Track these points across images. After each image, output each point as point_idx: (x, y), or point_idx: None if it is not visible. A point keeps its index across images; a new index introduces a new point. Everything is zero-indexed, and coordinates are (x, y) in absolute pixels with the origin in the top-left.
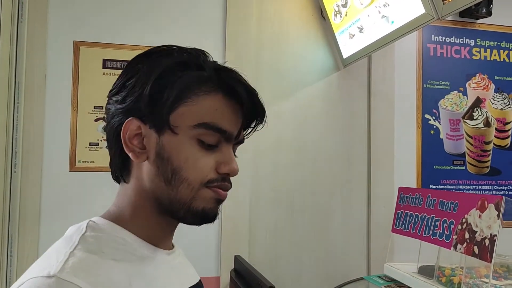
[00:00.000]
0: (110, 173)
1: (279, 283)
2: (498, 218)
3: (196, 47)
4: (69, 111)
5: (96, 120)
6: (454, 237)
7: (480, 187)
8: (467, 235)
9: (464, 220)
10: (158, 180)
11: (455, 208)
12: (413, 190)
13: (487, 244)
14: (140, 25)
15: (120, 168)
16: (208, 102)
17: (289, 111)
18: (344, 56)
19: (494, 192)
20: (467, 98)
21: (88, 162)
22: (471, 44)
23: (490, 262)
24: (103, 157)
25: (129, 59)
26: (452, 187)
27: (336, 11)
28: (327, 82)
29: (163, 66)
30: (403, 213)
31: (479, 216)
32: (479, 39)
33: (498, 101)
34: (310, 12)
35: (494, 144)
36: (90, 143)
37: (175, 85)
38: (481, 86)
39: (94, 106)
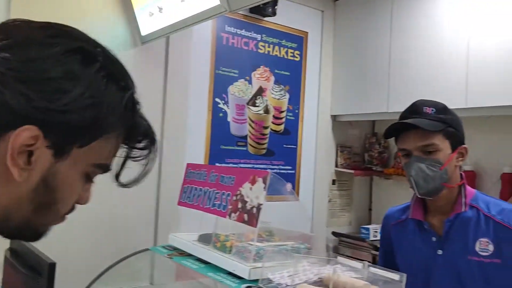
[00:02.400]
0: None
1: (62, 259)
2: (264, 190)
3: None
4: None
5: None
6: (230, 207)
7: (257, 165)
8: (239, 205)
9: (238, 192)
10: (26, 205)
11: (232, 182)
12: (199, 166)
13: (254, 212)
14: None
15: None
16: (112, 143)
17: None
18: (143, 34)
19: (268, 170)
20: (252, 87)
21: None
22: (258, 39)
23: (256, 227)
24: None
25: None
26: (235, 165)
27: None
28: (123, 58)
29: (89, 79)
30: (189, 188)
31: (250, 189)
32: (265, 35)
33: (276, 92)
34: None
35: (271, 129)
36: None
37: (104, 119)
38: (263, 77)
39: None
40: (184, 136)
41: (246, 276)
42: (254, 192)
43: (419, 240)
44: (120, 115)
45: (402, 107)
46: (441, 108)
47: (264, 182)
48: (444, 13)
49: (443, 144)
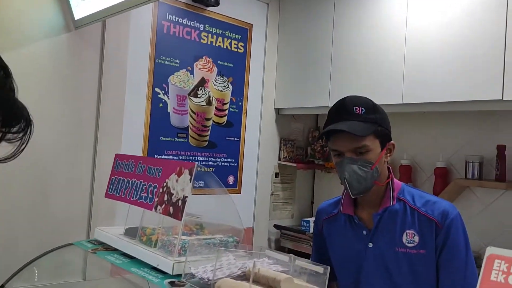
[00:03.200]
0: None
1: None
2: (190, 182)
3: None
4: None
5: None
6: (156, 199)
7: (199, 158)
8: (166, 197)
9: (165, 184)
10: None
11: (159, 173)
12: (128, 157)
13: (179, 204)
14: None
15: None
16: None
17: (11, 68)
18: (76, 17)
19: (210, 162)
20: (194, 77)
21: None
22: (200, 28)
23: (181, 220)
24: None
25: None
26: (175, 157)
27: None
28: (56, 42)
29: None
30: (117, 179)
31: (177, 181)
32: (208, 25)
33: (219, 83)
34: None
35: (213, 121)
36: None
37: None
38: (206, 68)
39: None
40: (121, 126)
41: (169, 271)
42: (180, 184)
43: (351, 234)
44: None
45: None
46: (371, 107)
47: (191, 173)
48: (384, 10)
49: (373, 144)
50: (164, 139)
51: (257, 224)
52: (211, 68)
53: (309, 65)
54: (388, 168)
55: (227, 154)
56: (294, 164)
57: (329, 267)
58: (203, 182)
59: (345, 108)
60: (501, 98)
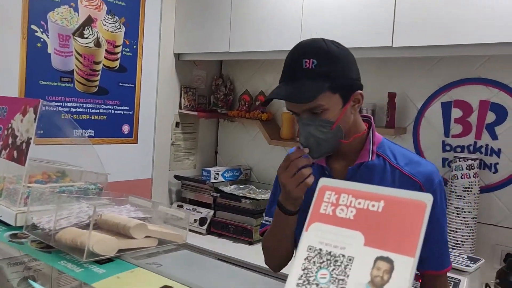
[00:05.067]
0: None
1: None
2: (35, 122)
3: None
4: None
5: None
6: (0, 143)
7: (87, 105)
8: (10, 140)
9: (10, 125)
10: None
11: (5, 113)
12: None
13: (23, 147)
14: None
15: None
16: None
17: None
18: None
19: (101, 110)
20: (79, 15)
21: None
22: None
23: (24, 165)
24: None
25: None
26: (59, 104)
27: None
28: None
29: None
30: None
31: (21, 121)
32: None
33: (110, 24)
34: None
35: (103, 65)
36: None
37: None
38: (93, 5)
39: None
40: None
41: (12, 223)
42: (25, 125)
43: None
44: None
45: (242, 47)
46: (323, 57)
47: (35, 112)
48: None
49: (331, 101)
50: (45, 83)
51: (156, 175)
52: (99, 6)
53: (209, 7)
54: (369, 118)
55: (120, 102)
56: (196, 113)
57: (189, 212)
58: (93, 131)
59: (293, 62)
60: (390, 45)
